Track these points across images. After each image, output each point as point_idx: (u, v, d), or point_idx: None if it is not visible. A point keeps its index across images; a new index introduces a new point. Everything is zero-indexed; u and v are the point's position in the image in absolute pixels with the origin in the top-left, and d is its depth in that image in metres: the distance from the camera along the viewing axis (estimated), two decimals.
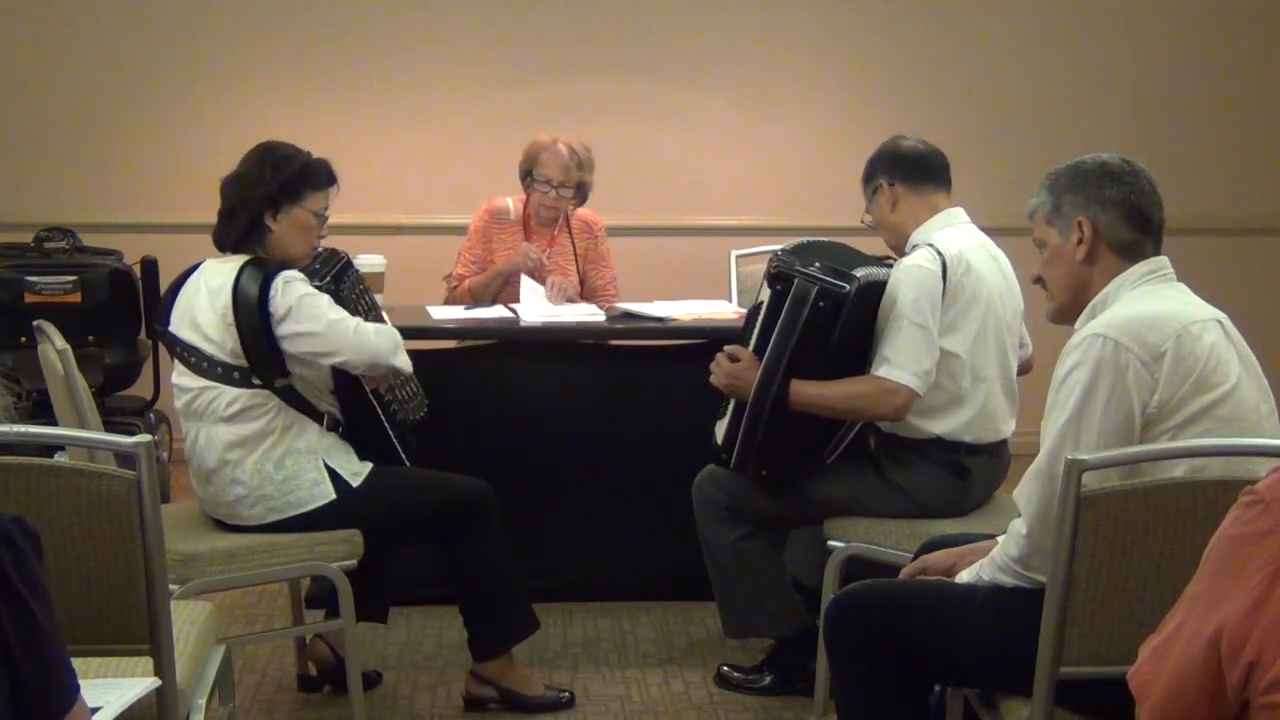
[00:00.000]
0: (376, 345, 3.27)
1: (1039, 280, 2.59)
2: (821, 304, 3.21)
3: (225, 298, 3.19)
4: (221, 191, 3.33)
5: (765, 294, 3.32)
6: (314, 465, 3.27)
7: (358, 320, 3.27)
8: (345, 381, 3.33)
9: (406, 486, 3.41)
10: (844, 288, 3.21)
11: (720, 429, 3.44)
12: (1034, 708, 2.29)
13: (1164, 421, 2.33)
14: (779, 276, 3.27)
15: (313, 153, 3.37)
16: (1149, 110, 6.18)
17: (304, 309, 3.20)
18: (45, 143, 5.88)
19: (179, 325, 3.28)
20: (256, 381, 3.21)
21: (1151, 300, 2.42)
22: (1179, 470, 2.29)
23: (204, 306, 3.23)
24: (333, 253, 3.48)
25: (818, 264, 3.25)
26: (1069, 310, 2.54)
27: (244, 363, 3.20)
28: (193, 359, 3.24)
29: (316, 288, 3.28)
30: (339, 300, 3.37)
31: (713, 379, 3.39)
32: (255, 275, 3.20)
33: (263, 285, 3.17)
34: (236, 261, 3.24)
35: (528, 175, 4.59)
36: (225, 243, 3.31)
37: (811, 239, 3.43)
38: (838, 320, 3.24)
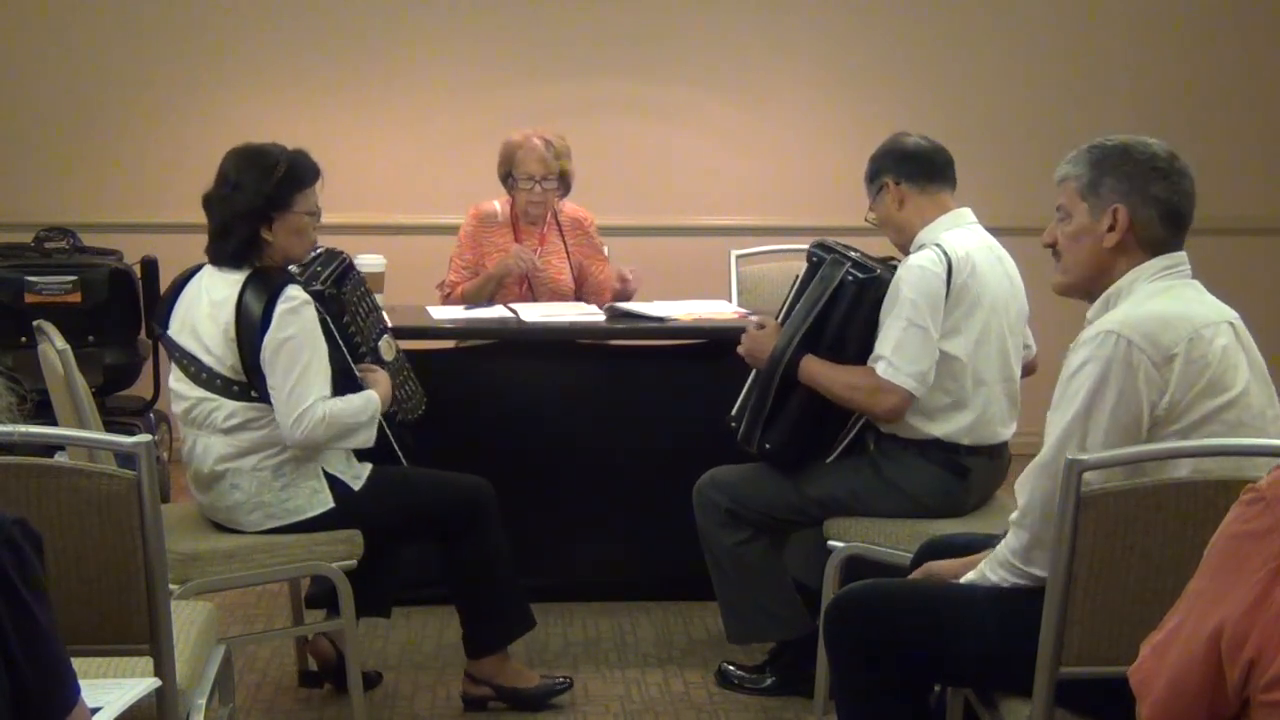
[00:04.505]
0: (310, 437, 3.13)
1: (1052, 246, 2.52)
2: (849, 279, 3.32)
3: (228, 314, 3.14)
4: (206, 209, 3.24)
5: (802, 270, 3.47)
6: (313, 473, 3.26)
7: (317, 400, 3.13)
8: (342, 385, 3.31)
9: (407, 487, 3.41)
10: (875, 271, 3.32)
11: (738, 402, 3.54)
12: (1034, 708, 2.29)
13: (1171, 424, 2.32)
14: (815, 253, 3.43)
15: (301, 148, 3.28)
16: (1150, 110, 6.17)
17: (284, 354, 3.12)
18: (45, 143, 5.88)
19: (179, 332, 3.24)
20: (255, 395, 3.18)
21: (1167, 298, 2.39)
22: (1182, 472, 2.28)
23: (205, 318, 3.18)
24: (332, 253, 3.45)
25: (858, 254, 3.39)
26: (1078, 288, 2.50)
27: (243, 378, 3.17)
28: (192, 368, 3.21)
29: (316, 292, 3.26)
30: (340, 305, 3.36)
31: (739, 348, 3.51)
32: (259, 293, 3.14)
33: (266, 306, 3.12)
34: (239, 275, 3.17)
35: (508, 177, 4.59)
36: (222, 260, 3.22)
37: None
38: (861, 304, 3.32)
